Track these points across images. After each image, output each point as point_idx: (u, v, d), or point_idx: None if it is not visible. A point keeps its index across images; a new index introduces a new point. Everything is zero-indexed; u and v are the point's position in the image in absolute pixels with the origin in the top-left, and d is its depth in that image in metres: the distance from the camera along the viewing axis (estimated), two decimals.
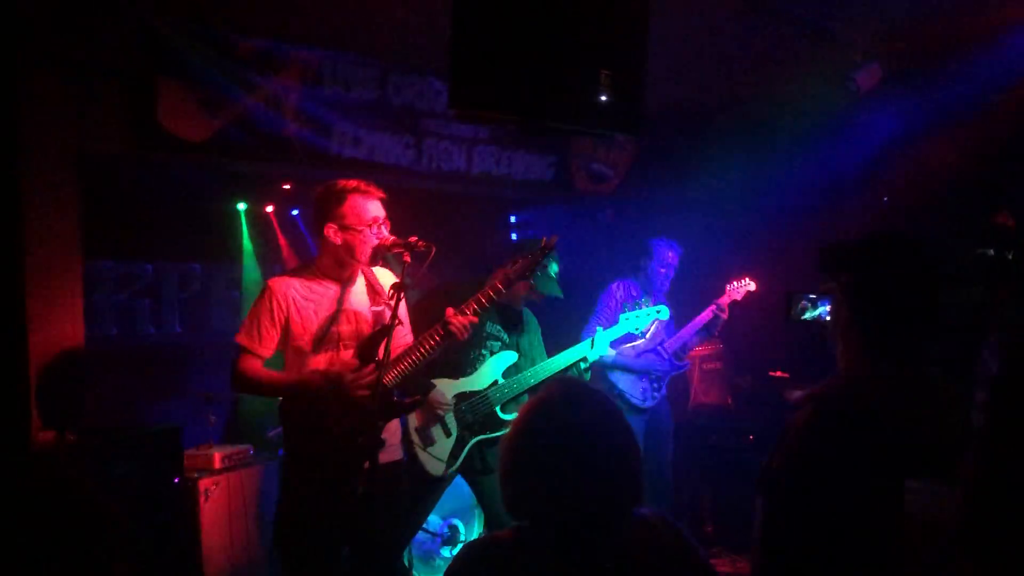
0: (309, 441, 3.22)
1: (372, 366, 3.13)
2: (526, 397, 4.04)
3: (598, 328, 4.26)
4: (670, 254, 5.14)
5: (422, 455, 3.81)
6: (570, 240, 6.88)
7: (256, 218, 5.80)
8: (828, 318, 2.21)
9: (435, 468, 3.83)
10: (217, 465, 4.38)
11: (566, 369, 4.02)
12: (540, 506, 1.70)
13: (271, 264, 5.95)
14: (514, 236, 7.14)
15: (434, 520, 4.81)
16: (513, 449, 1.76)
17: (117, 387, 5.01)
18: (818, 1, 4.40)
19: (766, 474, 1.92)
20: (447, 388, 3.88)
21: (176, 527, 4.03)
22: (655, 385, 5.11)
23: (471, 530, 5.06)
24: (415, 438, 3.82)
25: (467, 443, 3.88)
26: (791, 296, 2.42)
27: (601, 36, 2.34)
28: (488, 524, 4.24)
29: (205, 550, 4.17)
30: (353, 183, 3.27)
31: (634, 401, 5.02)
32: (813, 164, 6.02)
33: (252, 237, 5.78)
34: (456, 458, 3.86)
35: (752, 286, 5.28)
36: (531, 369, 3.99)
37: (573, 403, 1.77)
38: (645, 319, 4.38)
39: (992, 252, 6.19)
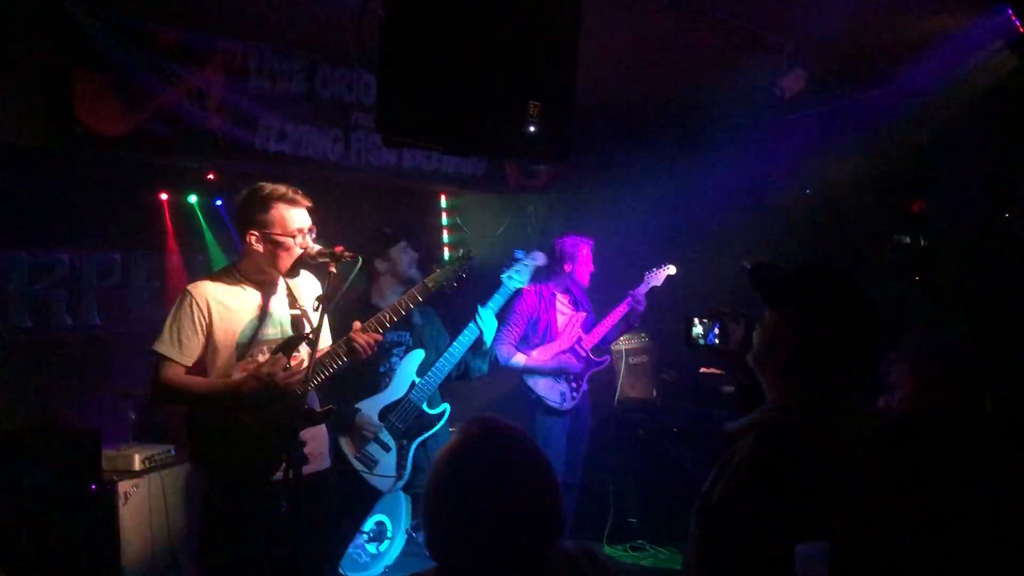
0: (223, 453, 3.15)
1: (303, 363, 3.07)
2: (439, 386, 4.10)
3: (479, 308, 4.24)
4: (586, 251, 5.13)
5: (372, 479, 3.86)
6: (503, 234, 6.96)
7: (179, 207, 5.66)
8: (754, 342, 2.21)
9: (385, 484, 3.90)
10: (137, 467, 4.28)
11: (471, 349, 4.07)
12: (461, 547, 1.71)
13: (195, 253, 5.83)
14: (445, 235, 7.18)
15: None
16: (432, 491, 1.76)
17: (31, 383, 4.86)
18: (745, 6, 4.46)
19: (706, 504, 1.90)
20: (370, 407, 3.90)
21: (93, 534, 3.94)
22: (573, 385, 5.08)
23: (398, 526, 5.07)
24: (359, 466, 3.87)
25: (408, 450, 3.93)
26: (688, 320, 2.41)
27: (530, 67, 2.33)
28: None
29: (124, 556, 4.08)
30: (280, 190, 3.15)
31: (552, 404, 4.98)
32: (739, 163, 6.14)
33: (175, 227, 5.64)
34: (403, 468, 3.92)
35: (672, 270, 5.31)
36: (441, 359, 4.04)
37: (491, 443, 1.78)
38: (525, 270, 4.40)
39: (908, 239, 6.46)
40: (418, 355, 4.04)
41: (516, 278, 4.31)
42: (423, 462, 4.02)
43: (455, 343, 4.09)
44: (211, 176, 5.55)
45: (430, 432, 4.01)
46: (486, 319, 4.12)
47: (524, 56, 2.32)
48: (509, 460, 1.73)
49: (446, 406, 4.06)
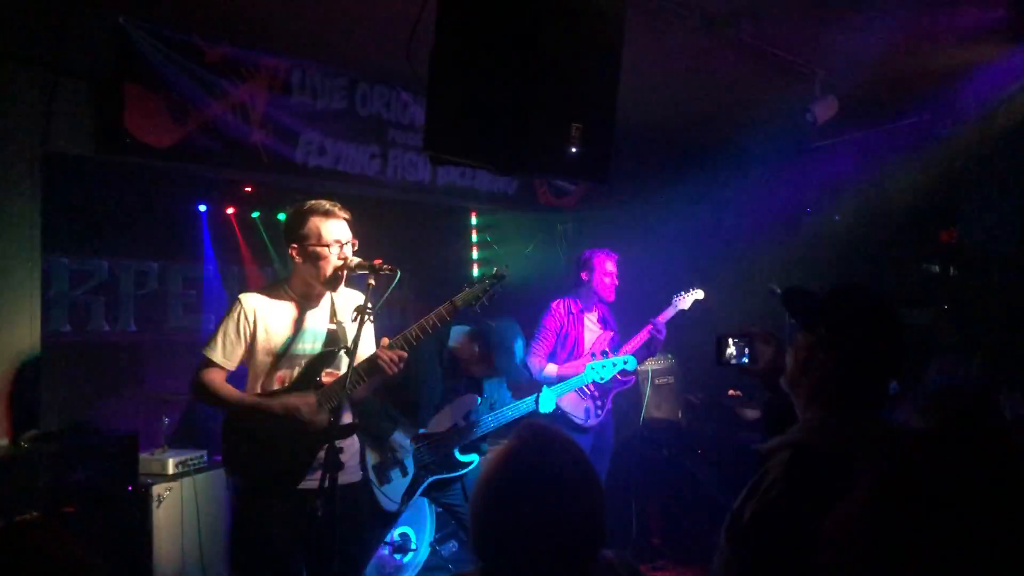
0: (255, 461, 3.25)
1: (314, 398, 3.19)
2: (487, 443, 4.16)
3: (544, 388, 4.39)
4: (608, 263, 5.15)
5: (377, 491, 3.88)
6: (532, 252, 7.03)
7: (217, 219, 5.79)
8: (786, 362, 2.24)
9: (388, 505, 3.92)
10: (171, 471, 4.38)
11: (519, 419, 4.13)
12: (506, 549, 1.76)
13: (230, 265, 5.96)
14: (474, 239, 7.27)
15: None
16: (482, 493, 1.81)
17: (69, 386, 4.98)
18: (777, 32, 4.52)
19: (737, 523, 1.93)
20: (408, 431, 3.94)
21: (129, 533, 4.03)
22: (598, 403, 5.11)
23: (422, 538, 5.12)
24: (372, 475, 3.87)
25: (423, 482, 3.96)
26: (720, 340, 2.44)
27: (573, 90, 2.41)
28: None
29: (156, 557, 4.17)
30: (317, 204, 3.28)
31: (577, 421, 5.01)
32: (771, 188, 6.20)
33: (212, 237, 5.77)
34: (411, 496, 3.94)
35: (700, 294, 5.34)
36: (490, 415, 4.08)
37: (541, 449, 1.82)
38: (611, 369, 4.52)
39: (936, 268, 6.46)
40: (471, 400, 4.08)
41: (600, 371, 4.45)
42: (432, 495, 4.07)
43: (509, 407, 4.14)
44: (248, 189, 5.68)
45: (449, 475, 4.03)
46: (545, 400, 4.18)
47: (567, 78, 2.40)
48: (560, 468, 1.77)
49: (475, 457, 4.07)
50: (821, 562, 1.52)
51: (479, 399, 4.08)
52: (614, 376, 4.86)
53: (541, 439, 1.85)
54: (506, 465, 1.82)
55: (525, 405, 4.17)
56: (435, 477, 3.99)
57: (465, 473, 4.07)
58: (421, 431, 3.97)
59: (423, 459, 3.96)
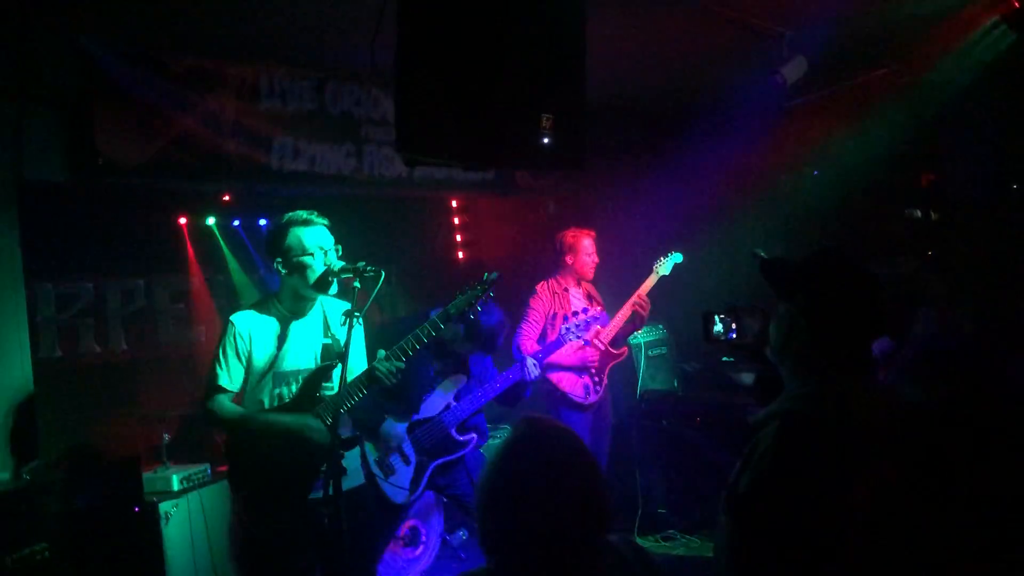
0: (260, 476, 3.26)
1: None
2: (481, 415, 4.17)
3: (527, 358, 4.36)
4: (587, 241, 5.16)
5: (384, 486, 3.90)
6: (516, 234, 7.03)
7: (198, 230, 5.77)
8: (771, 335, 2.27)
9: (397, 496, 3.93)
10: (176, 487, 4.39)
11: (508, 389, 4.15)
12: (514, 542, 1.78)
13: (216, 275, 5.94)
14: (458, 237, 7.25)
15: None
16: (485, 489, 1.83)
17: (65, 411, 4.97)
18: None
19: (733, 495, 1.96)
20: (402, 418, 3.96)
21: (140, 554, 4.04)
22: (596, 379, 5.13)
23: (431, 531, 5.16)
24: (376, 469, 3.90)
25: (427, 468, 3.98)
26: (707, 317, 2.45)
27: (540, 81, 2.40)
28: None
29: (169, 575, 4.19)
30: (295, 215, 3.32)
31: (577, 399, 5.03)
32: (747, 151, 6.20)
33: (196, 249, 5.75)
34: (418, 484, 3.96)
35: (679, 257, 5.32)
36: (480, 389, 4.10)
37: (540, 441, 1.84)
38: (584, 329, 4.53)
39: (919, 213, 6.49)
40: (458, 380, 4.10)
41: (574, 332, 4.50)
42: (439, 480, 4.08)
43: (497, 379, 4.15)
44: (227, 198, 5.65)
45: (452, 456, 4.04)
46: (530, 367, 4.19)
47: (534, 70, 2.39)
48: (558, 456, 1.79)
49: (473, 436, 4.10)
50: (849, 539, 1.55)
51: (464, 379, 4.11)
52: (588, 328, 4.90)
53: (536, 432, 1.88)
54: (504, 462, 1.84)
55: (512, 374, 4.18)
56: (438, 461, 4.01)
57: (465, 453, 4.09)
58: (415, 418, 3.99)
59: (423, 444, 3.98)
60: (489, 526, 1.81)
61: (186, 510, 4.38)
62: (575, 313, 4.87)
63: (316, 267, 3.26)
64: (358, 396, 3.21)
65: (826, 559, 1.89)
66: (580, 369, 5.07)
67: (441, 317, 3.40)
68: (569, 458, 1.82)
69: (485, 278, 3.53)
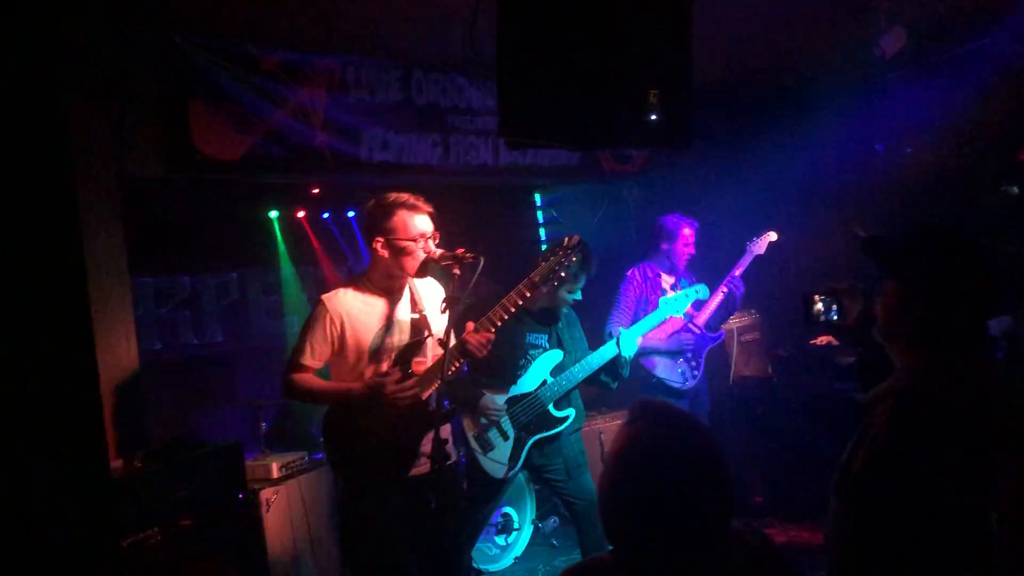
0: (362, 458, 3.29)
1: (413, 380, 3.21)
2: (577, 392, 4.11)
3: (620, 329, 4.23)
4: (687, 231, 5.04)
5: (483, 460, 3.88)
6: (600, 221, 6.96)
7: (288, 223, 5.88)
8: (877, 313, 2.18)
9: (497, 471, 3.90)
10: (275, 475, 4.46)
11: (605, 366, 4.07)
12: (639, 530, 1.74)
13: (306, 266, 6.05)
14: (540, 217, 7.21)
15: None
16: (608, 479, 1.80)
17: (166, 401, 5.13)
18: None
19: (846, 478, 1.90)
20: (498, 396, 3.94)
21: (242, 540, 4.13)
22: (692, 364, 5.03)
23: (524, 518, 5.15)
24: (475, 445, 3.89)
25: (525, 444, 3.95)
26: (807, 299, 2.38)
27: (646, 55, 2.33)
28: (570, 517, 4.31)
29: (271, 562, 4.26)
30: (402, 197, 3.29)
31: (674, 385, 4.95)
32: (841, 128, 6.01)
33: (286, 242, 5.86)
34: (516, 460, 3.92)
35: (773, 236, 5.17)
36: (576, 365, 4.04)
37: (662, 427, 1.79)
38: (684, 300, 4.42)
39: (1016, 189, 6.20)
40: (555, 355, 4.05)
41: (673, 304, 4.35)
42: (536, 459, 4.04)
43: (592, 355, 4.08)
44: (316, 190, 5.73)
45: (550, 432, 4.01)
46: (626, 342, 4.10)
47: (641, 43, 2.32)
48: (685, 438, 1.74)
49: (571, 412, 4.05)
50: (1000, 544, 1.47)
51: (560, 352, 4.06)
52: (696, 319, 4.82)
53: (659, 416, 1.82)
54: (626, 446, 1.80)
55: (608, 350, 4.10)
56: (537, 436, 3.97)
57: (565, 428, 4.05)
58: (512, 393, 3.96)
59: (520, 420, 3.96)
60: (612, 513, 1.78)
61: (286, 497, 4.46)
62: (673, 287, 4.79)
63: (418, 253, 3.26)
64: (454, 367, 3.20)
65: (954, 544, 1.82)
66: (676, 353, 4.98)
67: (527, 285, 3.37)
68: (695, 439, 1.77)
69: (566, 243, 3.47)
